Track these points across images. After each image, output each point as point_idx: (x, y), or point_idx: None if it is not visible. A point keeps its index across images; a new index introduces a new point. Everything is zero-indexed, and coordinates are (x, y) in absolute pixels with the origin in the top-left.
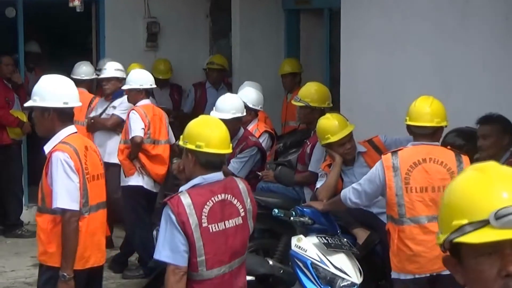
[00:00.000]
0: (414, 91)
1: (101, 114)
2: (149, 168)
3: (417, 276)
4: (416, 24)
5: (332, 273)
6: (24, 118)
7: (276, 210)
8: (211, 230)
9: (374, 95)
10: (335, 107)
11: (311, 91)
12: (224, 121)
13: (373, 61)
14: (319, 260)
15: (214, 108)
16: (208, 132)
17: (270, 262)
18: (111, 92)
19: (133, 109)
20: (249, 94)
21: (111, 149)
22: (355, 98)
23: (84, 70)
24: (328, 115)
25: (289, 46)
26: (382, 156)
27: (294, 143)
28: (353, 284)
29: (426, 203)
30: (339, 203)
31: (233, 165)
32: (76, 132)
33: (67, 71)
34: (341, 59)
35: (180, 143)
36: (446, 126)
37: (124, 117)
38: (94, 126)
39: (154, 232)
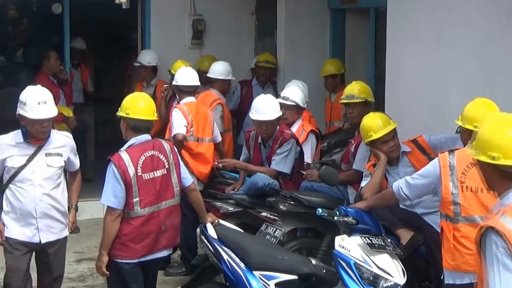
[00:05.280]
0: (458, 92)
1: (30, 159)
2: (192, 166)
3: (474, 280)
4: (461, 25)
5: (375, 273)
6: (69, 113)
7: (320, 210)
8: (144, 178)
9: (419, 95)
10: (380, 107)
11: (348, 88)
12: (270, 122)
13: (418, 61)
14: (362, 260)
15: (253, 110)
16: (136, 103)
17: (313, 262)
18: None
19: (175, 107)
20: (297, 93)
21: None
22: (399, 98)
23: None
24: (371, 113)
25: (334, 45)
26: (440, 154)
27: (338, 142)
28: (396, 284)
29: (481, 203)
30: (386, 196)
31: (276, 162)
32: None
33: (112, 68)
34: (386, 59)
35: (118, 113)
36: None
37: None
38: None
39: (198, 230)
